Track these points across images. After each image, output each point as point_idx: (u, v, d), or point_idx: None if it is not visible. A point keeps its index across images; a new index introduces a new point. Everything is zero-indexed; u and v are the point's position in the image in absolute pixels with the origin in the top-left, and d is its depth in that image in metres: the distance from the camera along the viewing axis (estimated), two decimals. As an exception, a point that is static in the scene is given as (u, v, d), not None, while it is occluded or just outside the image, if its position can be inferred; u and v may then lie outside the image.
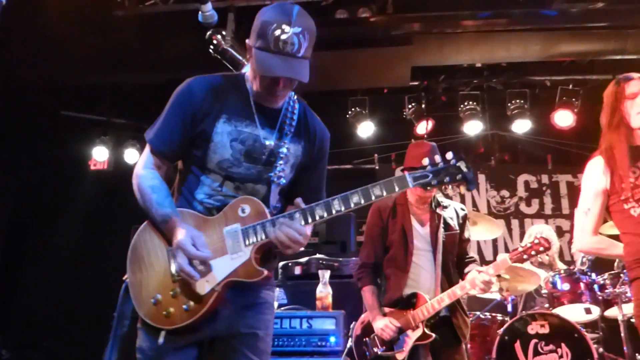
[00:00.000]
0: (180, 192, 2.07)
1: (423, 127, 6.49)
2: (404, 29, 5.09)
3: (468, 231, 3.45)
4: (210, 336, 1.98)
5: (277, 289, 4.12)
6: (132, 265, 1.97)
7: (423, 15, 5.02)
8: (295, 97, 2.12)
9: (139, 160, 2.08)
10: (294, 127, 2.07)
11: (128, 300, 1.94)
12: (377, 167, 7.08)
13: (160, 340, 1.88)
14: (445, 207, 3.41)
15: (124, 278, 2.00)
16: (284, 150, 2.03)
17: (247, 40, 2.01)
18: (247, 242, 1.90)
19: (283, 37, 1.87)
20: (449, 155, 1.89)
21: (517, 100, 6.36)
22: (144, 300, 1.92)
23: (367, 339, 3.28)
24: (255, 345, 2.00)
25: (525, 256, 3.14)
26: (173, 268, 1.89)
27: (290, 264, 4.46)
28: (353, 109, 6.55)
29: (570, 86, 6.24)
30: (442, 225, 3.32)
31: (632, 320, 4.53)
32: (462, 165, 1.87)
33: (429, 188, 1.89)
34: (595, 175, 2.69)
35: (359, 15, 4.63)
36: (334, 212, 1.88)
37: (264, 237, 1.89)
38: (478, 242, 6.71)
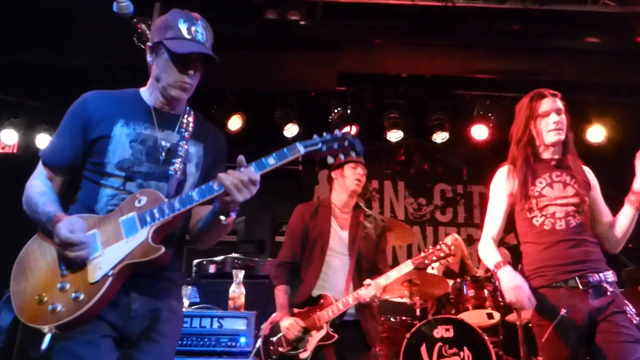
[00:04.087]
0: (77, 200, 2.02)
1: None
2: (332, 35, 5.15)
3: (385, 243, 3.55)
4: (123, 334, 1.91)
5: (190, 287, 4.07)
6: (16, 276, 1.86)
7: (352, 23, 5.10)
8: (190, 109, 2.18)
9: (32, 175, 2.04)
10: (192, 130, 2.10)
11: (6, 312, 1.81)
12: (300, 169, 7.13)
13: (44, 345, 1.74)
14: (368, 215, 3.51)
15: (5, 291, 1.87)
16: (184, 149, 2.04)
17: (148, 43, 2.09)
18: (143, 225, 1.86)
19: (193, 27, 2.03)
20: (337, 131, 2.00)
21: (438, 112, 6.61)
22: (28, 303, 1.79)
23: (274, 338, 3.30)
24: (159, 354, 1.96)
25: (426, 261, 3.23)
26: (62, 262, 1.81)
27: (204, 262, 4.40)
28: (280, 110, 6.55)
29: (487, 102, 6.55)
30: (361, 231, 3.40)
31: (530, 324, 4.86)
32: (349, 136, 1.97)
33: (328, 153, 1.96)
34: (501, 181, 2.82)
35: (289, 17, 4.64)
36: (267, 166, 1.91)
37: (163, 216, 1.86)
38: (393, 248, 6.92)
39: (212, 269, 4.34)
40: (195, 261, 4.47)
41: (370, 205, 7.15)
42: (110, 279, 1.78)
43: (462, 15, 5.07)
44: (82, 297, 1.76)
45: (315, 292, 3.30)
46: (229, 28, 5.02)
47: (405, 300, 4.73)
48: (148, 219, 1.85)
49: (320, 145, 1.94)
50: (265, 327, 3.40)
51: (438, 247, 3.22)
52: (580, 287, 2.55)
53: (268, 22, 4.78)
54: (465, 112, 6.68)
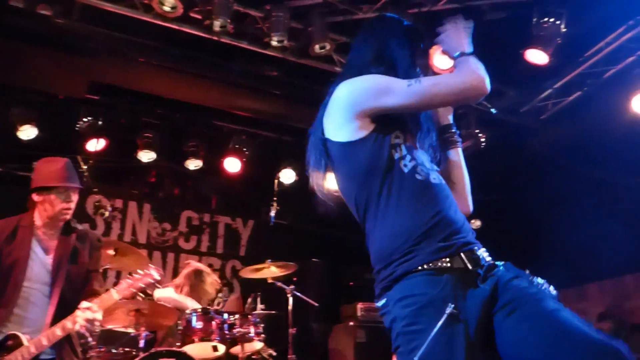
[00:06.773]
0: None
1: (94, 145, 6.15)
2: (88, 41, 4.79)
3: (96, 263, 3.20)
4: None
5: None
6: None
7: (112, 34, 4.82)
8: None
9: None
10: None
11: None
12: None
13: None
14: (81, 236, 3.11)
15: None
16: None
17: None
18: None
19: None
20: None
21: (195, 139, 6.64)
22: None
23: None
24: None
25: (132, 289, 3.00)
26: None
27: None
28: (17, 108, 5.83)
29: (244, 137, 6.78)
30: (69, 255, 3.00)
31: (253, 356, 5.05)
32: None
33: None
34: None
35: (38, 10, 4.16)
36: None
37: None
38: (130, 274, 6.58)
39: None
40: None
41: (110, 225, 6.73)
42: None
43: (227, 51, 5.20)
44: None
45: (6, 331, 2.79)
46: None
47: (131, 330, 4.50)
48: None
49: None
50: None
51: (143, 273, 3.01)
52: (469, 266, 1.69)
53: (12, 10, 4.22)
54: (221, 144, 6.80)
